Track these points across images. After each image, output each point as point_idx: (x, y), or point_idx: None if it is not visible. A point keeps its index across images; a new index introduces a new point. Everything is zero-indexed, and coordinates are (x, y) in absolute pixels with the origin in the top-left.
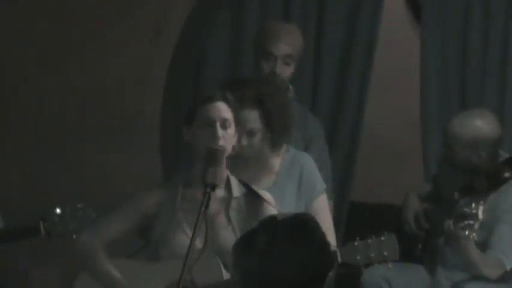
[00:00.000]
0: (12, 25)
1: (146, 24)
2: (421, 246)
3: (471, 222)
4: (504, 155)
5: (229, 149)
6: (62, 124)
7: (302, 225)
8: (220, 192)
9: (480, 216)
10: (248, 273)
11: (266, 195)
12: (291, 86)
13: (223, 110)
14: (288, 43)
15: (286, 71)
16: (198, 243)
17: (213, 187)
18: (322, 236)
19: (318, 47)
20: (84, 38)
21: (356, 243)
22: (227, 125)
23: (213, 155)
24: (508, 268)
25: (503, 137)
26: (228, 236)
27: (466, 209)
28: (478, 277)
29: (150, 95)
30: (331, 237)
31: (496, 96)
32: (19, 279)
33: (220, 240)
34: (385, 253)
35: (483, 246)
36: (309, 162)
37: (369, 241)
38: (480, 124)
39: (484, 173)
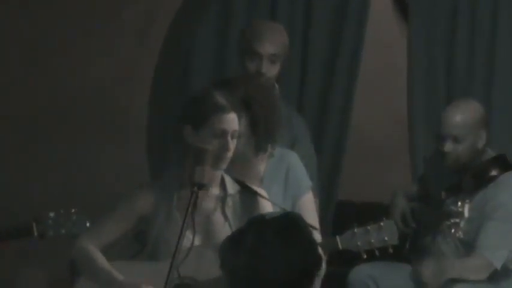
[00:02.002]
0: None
1: (133, 24)
2: (409, 246)
3: (457, 220)
4: (491, 153)
5: (230, 157)
6: (49, 124)
7: (290, 224)
8: (215, 190)
9: (466, 214)
10: (236, 272)
11: (262, 191)
12: (276, 85)
13: (235, 121)
14: (273, 42)
15: (272, 70)
16: (196, 241)
17: (201, 186)
18: (310, 234)
19: (304, 46)
20: (72, 38)
21: (356, 230)
22: (235, 136)
23: (200, 155)
24: (498, 266)
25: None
26: (226, 233)
27: (452, 207)
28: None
29: (137, 95)
30: (317, 235)
31: (483, 96)
32: (7, 278)
33: (219, 237)
34: (386, 238)
35: (471, 243)
36: (295, 161)
37: (368, 227)
38: (467, 104)
39: (470, 171)
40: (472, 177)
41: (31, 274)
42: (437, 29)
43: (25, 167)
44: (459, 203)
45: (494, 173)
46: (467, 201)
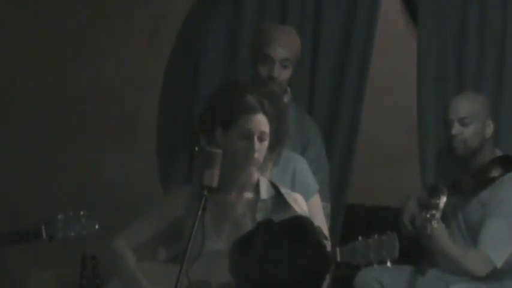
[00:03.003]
0: (8, 26)
1: (143, 25)
2: (415, 248)
3: (433, 212)
4: (498, 154)
5: (261, 160)
6: (58, 126)
7: (299, 227)
8: (248, 194)
9: (441, 206)
10: (245, 274)
11: (298, 198)
12: (288, 89)
13: (263, 123)
14: (285, 46)
15: (284, 74)
16: (223, 246)
17: (211, 190)
18: (318, 237)
19: (315, 48)
20: (81, 39)
21: (356, 243)
22: (264, 137)
23: (210, 158)
24: (498, 264)
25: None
26: None
27: (431, 200)
28: (471, 277)
29: (147, 96)
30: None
31: (493, 97)
32: (18, 279)
33: None
34: (384, 252)
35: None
36: (301, 164)
37: (370, 240)
38: (474, 94)
39: (472, 171)
40: (473, 177)
41: (40, 275)
42: (447, 29)
43: (34, 169)
44: (439, 197)
45: (496, 173)
46: (444, 191)
